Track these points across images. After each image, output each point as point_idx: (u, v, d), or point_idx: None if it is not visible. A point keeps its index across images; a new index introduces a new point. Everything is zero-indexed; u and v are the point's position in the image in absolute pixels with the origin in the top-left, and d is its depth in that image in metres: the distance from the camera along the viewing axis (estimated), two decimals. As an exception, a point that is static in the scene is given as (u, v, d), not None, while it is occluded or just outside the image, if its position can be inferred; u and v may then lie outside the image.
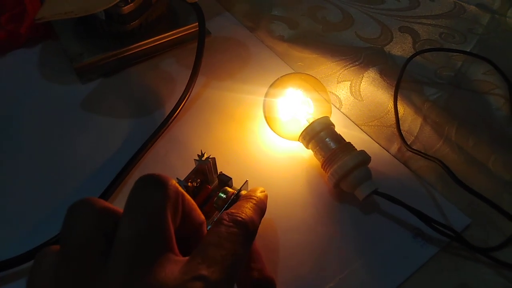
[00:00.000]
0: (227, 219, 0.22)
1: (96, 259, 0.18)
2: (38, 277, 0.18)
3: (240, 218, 0.22)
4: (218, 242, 0.20)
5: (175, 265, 0.18)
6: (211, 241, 0.20)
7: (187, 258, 0.19)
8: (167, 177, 0.20)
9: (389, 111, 0.43)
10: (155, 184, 0.20)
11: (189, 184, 0.29)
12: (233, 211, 0.23)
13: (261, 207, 0.26)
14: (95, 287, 0.17)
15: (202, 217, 0.23)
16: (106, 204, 0.20)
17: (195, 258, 0.19)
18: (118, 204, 0.32)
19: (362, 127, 0.41)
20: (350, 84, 0.45)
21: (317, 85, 0.38)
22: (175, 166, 0.37)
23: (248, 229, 0.22)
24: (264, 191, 0.29)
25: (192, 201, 0.22)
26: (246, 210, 0.23)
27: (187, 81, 0.42)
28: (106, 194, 0.34)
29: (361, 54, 0.49)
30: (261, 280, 0.25)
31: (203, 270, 0.18)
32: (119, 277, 0.17)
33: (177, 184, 0.21)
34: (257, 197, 0.27)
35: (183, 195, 0.21)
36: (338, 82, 0.45)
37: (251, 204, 0.25)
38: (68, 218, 0.19)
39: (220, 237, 0.20)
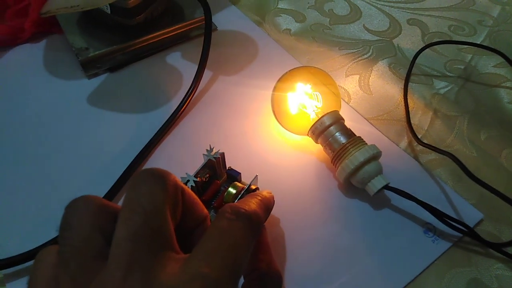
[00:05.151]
0: (230, 211, 0.20)
1: (94, 259, 0.17)
2: (38, 278, 0.18)
3: (243, 210, 0.21)
4: (219, 237, 0.19)
5: (175, 264, 0.17)
6: (213, 236, 0.19)
7: (188, 255, 0.18)
8: (165, 171, 0.19)
9: (398, 104, 0.42)
10: (152, 179, 0.19)
11: (198, 179, 0.29)
12: (236, 204, 0.21)
13: (266, 204, 0.25)
14: None
15: (205, 211, 0.22)
16: (104, 201, 0.19)
17: (195, 255, 0.18)
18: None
19: (371, 121, 0.41)
20: (359, 78, 0.45)
21: (326, 79, 0.38)
22: (183, 161, 0.37)
23: (251, 222, 0.20)
24: (270, 193, 0.28)
25: (194, 194, 0.21)
26: (250, 204, 0.22)
27: (193, 76, 0.41)
28: (113, 191, 0.34)
29: (369, 47, 0.48)
30: (269, 273, 0.24)
31: (204, 267, 0.17)
32: (116, 278, 0.16)
33: (176, 178, 0.20)
34: (262, 195, 0.26)
35: (182, 189, 0.20)
36: (347, 76, 0.45)
37: (256, 199, 0.24)
38: (65, 217, 0.18)
39: (222, 231, 0.19)
